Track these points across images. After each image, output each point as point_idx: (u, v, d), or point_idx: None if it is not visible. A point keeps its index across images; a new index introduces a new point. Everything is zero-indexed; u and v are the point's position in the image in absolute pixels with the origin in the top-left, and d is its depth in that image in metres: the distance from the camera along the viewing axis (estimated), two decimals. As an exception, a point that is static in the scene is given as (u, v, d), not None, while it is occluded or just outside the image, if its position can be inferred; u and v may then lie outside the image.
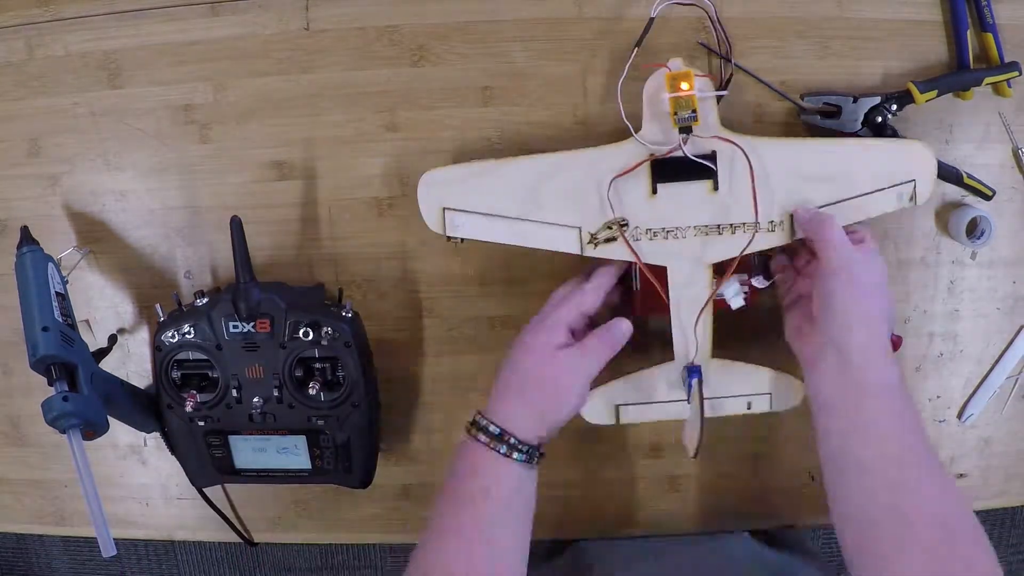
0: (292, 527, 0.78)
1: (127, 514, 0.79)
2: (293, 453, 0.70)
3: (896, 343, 0.69)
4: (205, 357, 0.67)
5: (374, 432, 0.71)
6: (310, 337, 0.65)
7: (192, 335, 0.66)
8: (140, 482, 0.78)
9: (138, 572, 1.73)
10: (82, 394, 0.60)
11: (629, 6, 0.68)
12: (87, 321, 0.74)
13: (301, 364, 0.67)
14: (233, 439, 0.70)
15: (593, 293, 0.63)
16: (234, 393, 0.67)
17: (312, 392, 0.66)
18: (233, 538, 0.78)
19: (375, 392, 0.70)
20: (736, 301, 0.66)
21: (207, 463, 0.71)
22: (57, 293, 0.64)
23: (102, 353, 0.69)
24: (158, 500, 0.78)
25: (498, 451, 0.58)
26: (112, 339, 0.72)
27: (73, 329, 0.64)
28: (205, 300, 0.67)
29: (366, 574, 1.66)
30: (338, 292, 0.70)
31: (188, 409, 0.67)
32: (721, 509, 0.77)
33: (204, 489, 0.75)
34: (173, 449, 0.72)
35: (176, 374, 0.67)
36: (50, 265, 0.66)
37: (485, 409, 0.61)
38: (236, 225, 0.65)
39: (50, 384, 0.60)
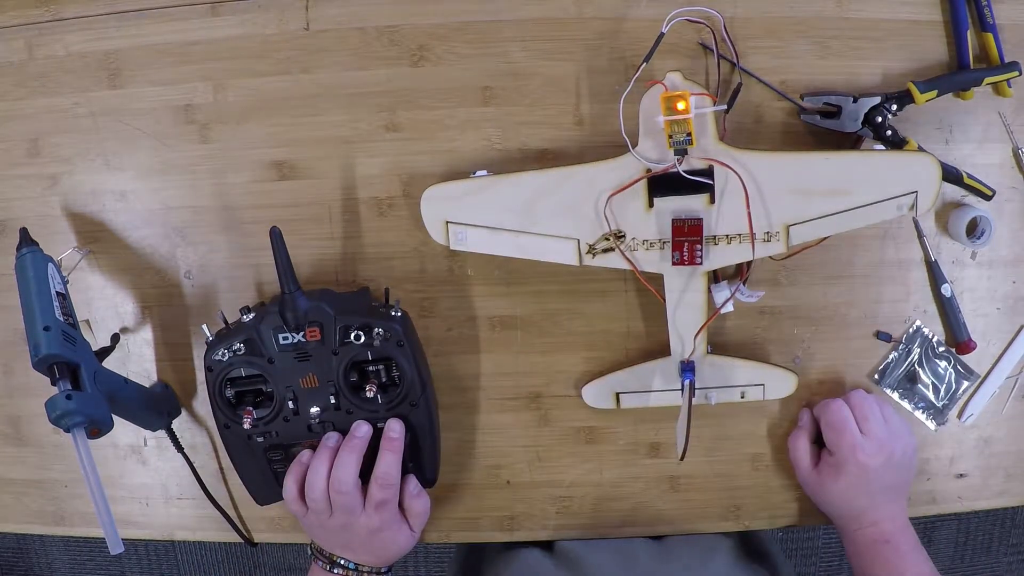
0: (292, 527, 0.78)
1: (127, 514, 0.79)
2: None
3: (971, 346, 0.72)
4: (258, 372, 0.66)
5: (435, 429, 0.70)
6: (361, 340, 0.65)
7: (242, 351, 0.65)
8: (140, 482, 0.78)
9: (138, 572, 1.73)
10: (85, 392, 0.60)
11: (629, 7, 0.68)
12: (87, 321, 0.74)
13: (355, 368, 0.66)
14: (295, 452, 0.69)
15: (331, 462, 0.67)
16: (290, 405, 0.66)
17: (369, 395, 0.66)
18: (233, 538, 0.78)
19: (432, 389, 0.70)
20: (727, 307, 0.68)
21: (270, 479, 0.70)
22: (58, 293, 0.64)
23: (105, 352, 0.69)
24: (158, 500, 0.78)
25: None
26: (115, 338, 0.72)
27: (75, 328, 0.64)
28: (252, 315, 0.66)
29: (366, 574, 1.66)
30: (385, 292, 0.70)
31: (246, 426, 0.66)
32: (721, 509, 0.77)
33: (207, 490, 0.76)
34: (235, 469, 0.71)
35: (230, 392, 0.66)
36: (50, 265, 0.65)
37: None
38: (276, 236, 0.64)
39: (53, 383, 0.60)
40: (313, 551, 0.70)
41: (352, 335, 0.65)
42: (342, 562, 0.68)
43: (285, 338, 0.65)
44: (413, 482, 0.70)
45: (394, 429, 0.67)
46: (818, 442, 0.72)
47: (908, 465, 0.70)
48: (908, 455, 0.70)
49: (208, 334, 0.66)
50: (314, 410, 0.66)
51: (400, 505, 0.69)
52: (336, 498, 0.65)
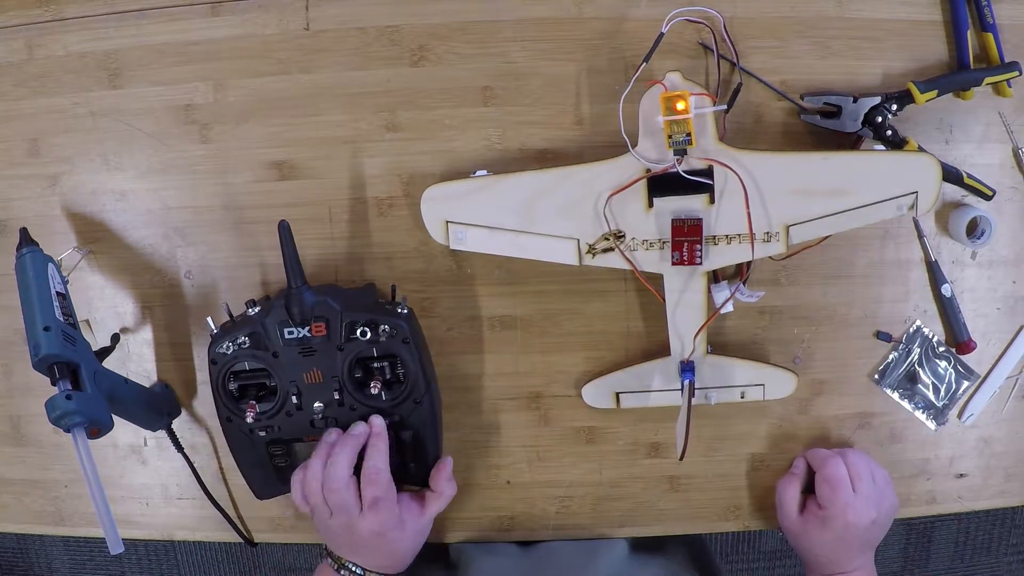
0: (292, 527, 0.78)
1: (127, 514, 0.79)
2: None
3: (971, 346, 0.72)
4: (262, 366, 0.66)
5: (438, 428, 0.70)
6: (367, 337, 0.65)
7: (247, 345, 0.65)
8: (140, 482, 0.78)
9: (138, 572, 1.73)
10: (86, 392, 0.60)
11: (629, 7, 0.68)
12: (87, 321, 0.74)
13: (360, 365, 0.66)
14: (297, 447, 0.69)
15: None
16: (294, 400, 0.66)
17: (373, 392, 0.65)
18: (233, 538, 0.78)
19: (436, 387, 0.70)
20: (727, 307, 0.68)
21: (271, 474, 0.70)
22: (58, 293, 0.64)
23: (105, 352, 0.69)
24: (158, 500, 0.78)
25: None
26: (115, 338, 0.72)
27: (75, 328, 0.64)
28: (257, 309, 0.66)
29: (366, 574, 1.66)
30: (391, 289, 0.70)
31: (249, 420, 0.66)
32: (721, 509, 0.77)
33: (207, 490, 0.76)
34: (236, 462, 0.70)
35: (233, 386, 0.66)
36: (50, 265, 0.65)
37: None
38: (285, 230, 0.64)
39: (53, 383, 0.60)
40: (326, 550, 0.69)
41: (358, 331, 0.65)
42: (350, 566, 0.66)
43: (290, 332, 0.65)
44: (448, 467, 0.70)
45: (376, 423, 0.66)
46: (806, 489, 0.73)
47: (888, 523, 0.71)
48: (890, 515, 0.71)
49: (213, 327, 0.66)
50: (317, 405, 0.66)
51: (431, 489, 0.69)
52: (329, 497, 0.63)
